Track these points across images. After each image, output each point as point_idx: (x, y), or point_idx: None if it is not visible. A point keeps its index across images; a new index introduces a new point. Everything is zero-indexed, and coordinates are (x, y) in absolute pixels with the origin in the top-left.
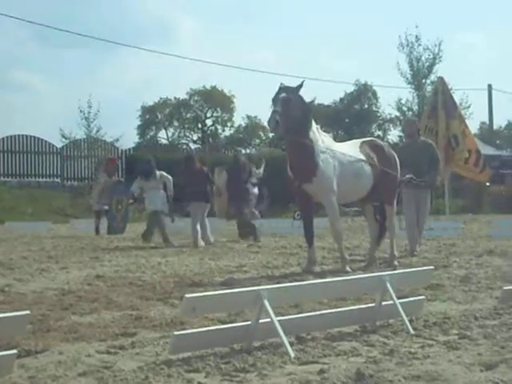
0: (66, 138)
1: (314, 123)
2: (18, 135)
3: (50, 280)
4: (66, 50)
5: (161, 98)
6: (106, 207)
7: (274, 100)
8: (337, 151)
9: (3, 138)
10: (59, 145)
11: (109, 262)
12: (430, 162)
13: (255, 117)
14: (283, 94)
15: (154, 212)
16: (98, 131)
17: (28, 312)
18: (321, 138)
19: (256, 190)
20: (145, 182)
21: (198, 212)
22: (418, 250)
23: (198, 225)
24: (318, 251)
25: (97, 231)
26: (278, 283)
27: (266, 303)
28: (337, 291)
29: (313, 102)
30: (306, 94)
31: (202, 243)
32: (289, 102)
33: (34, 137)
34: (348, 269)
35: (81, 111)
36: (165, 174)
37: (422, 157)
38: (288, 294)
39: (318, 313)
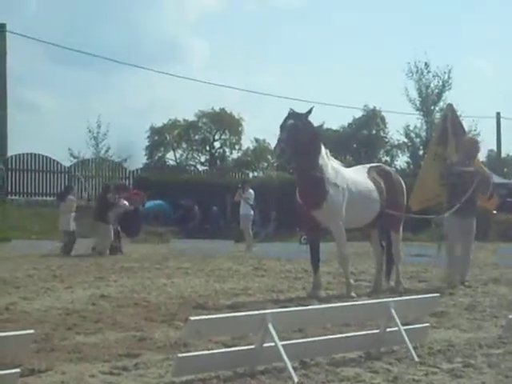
0: (74, 158)
1: (323, 148)
2: (27, 154)
3: (54, 299)
4: (76, 69)
5: (169, 120)
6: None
7: (282, 127)
8: (346, 176)
9: (11, 157)
10: (67, 164)
11: (114, 282)
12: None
13: (263, 140)
14: (290, 121)
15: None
16: (106, 151)
17: (32, 331)
18: (330, 163)
19: (252, 212)
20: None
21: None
22: (467, 279)
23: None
24: (323, 276)
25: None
26: (283, 307)
27: (271, 327)
28: (341, 317)
29: (321, 126)
30: (315, 119)
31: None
32: (296, 128)
33: (43, 155)
34: (353, 294)
35: (90, 131)
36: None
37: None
38: (292, 319)
39: (322, 338)
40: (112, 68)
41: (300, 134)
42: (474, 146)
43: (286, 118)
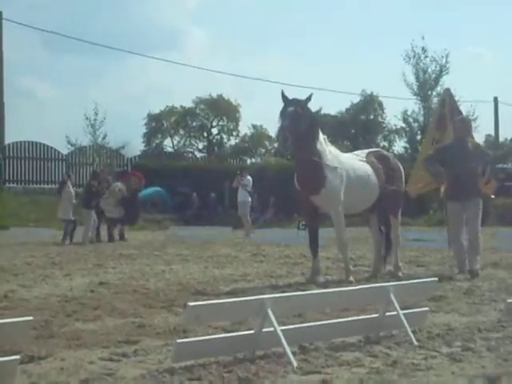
0: (71, 145)
1: (321, 134)
2: (24, 141)
3: (53, 286)
4: (74, 57)
5: (167, 106)
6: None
7: (283, 114)
8: (344, 162)
9: (9, 144)
10: (65, 151)
11: (112, 269)
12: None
13: (260, 126)
14: (291, 108)
15: None
16: (103, 138)
17: (31, 318)
18: (328, 148)
19: (250, 199)
20: None
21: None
22: (477, 267)
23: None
24: (322, 261)
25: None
26: (282, 293)
27: (270, 312)
28: (340, 301)
29: (319, 111)
30: (312, 104)
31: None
32: (297, 115)
33: (40, 143)
34: (352, 279)
35: (87, 118)
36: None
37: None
38: (292, 304)
39: (321, 323)
40: (109, 55)
41: (300, 121)
42: (465, 124)
43: (286, 105)
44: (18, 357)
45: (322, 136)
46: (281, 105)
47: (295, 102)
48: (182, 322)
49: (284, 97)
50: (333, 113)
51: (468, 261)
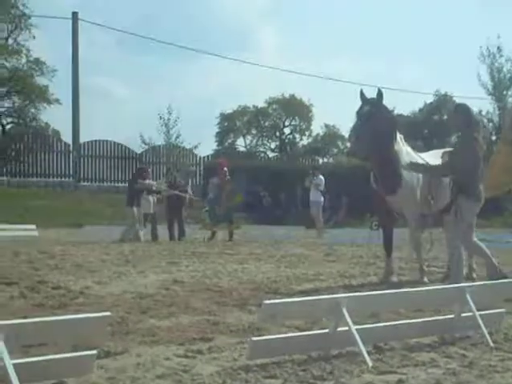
0: (145, 144)
1: (398, 134)
2: (98, 140)
3: (128, 283)
4: (147, 56)
5: (239, 106)
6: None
7: (358, 114)
8: (420, 161)
9: (84, 143)
10: (139, 151)
11: (186, 267)
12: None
13: (333, 126)
14: (367, 108)
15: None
16: (177, 138)
17: (108, 313)
18: (405, 148)
19: (322, 199)
20: None
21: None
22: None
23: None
24: (395, 262)
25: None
26: (356, 292)
27: (345, 311)
28: (416, 302)
29: (392, 112)
30: (385, 104)
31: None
32: (372, 115)
33: (114, 142)
34: (426, 280)
35: (160, 118)
36: None
37: None
38: (367, 303)
39: (396, 323)
40: (183, 55)
41: (376, 120)
42: None
43: (363, 104)
44: (94, 352)
45: (398, 136)
46: (354, 104)
47: (372, 101)
48: (257, 320)
49: (362, 96)
50: (405, 113)
51: None
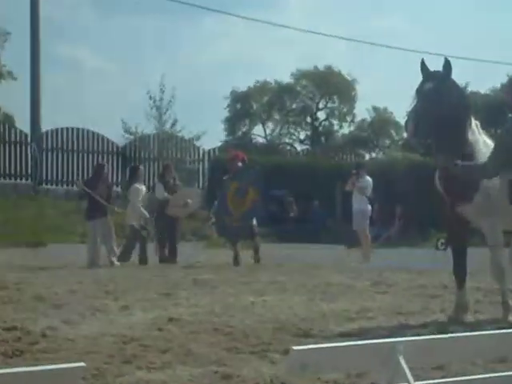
0: (130, 134)
1: (473, 120)
2: (66, 128)
3: (107, 323)
4: (131, 16)
5: (257, 82)
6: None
7: (418, 93)
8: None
9: (46, 132)
10: (121, 142)
11: (185, 300)
12: None
13: (384, 109)
14: (429, 84)
15: None
16: (172, 125)
17: (82, 364)
18: (482, 138)
19: (369, 207)
20: None
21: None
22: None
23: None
24: (470, 293)
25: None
26: (417, 335)
27: (402, 361)
28: (496, 348)
29: (465, 88)
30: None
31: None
32: (437, 94)
33: (87, 130)
34: (511, 318)
35: (150, 98)
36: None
37: None
38: (431, 350)
39: (470, 377)
40: (180, 13)
41: (443, 102)
42: None
43: (424, 80)
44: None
45: (474, 122)
46: (414, 79)
47: (437, 75)
48: (282, 372)
49: (424, 68)
50: (483, 90)
51: None
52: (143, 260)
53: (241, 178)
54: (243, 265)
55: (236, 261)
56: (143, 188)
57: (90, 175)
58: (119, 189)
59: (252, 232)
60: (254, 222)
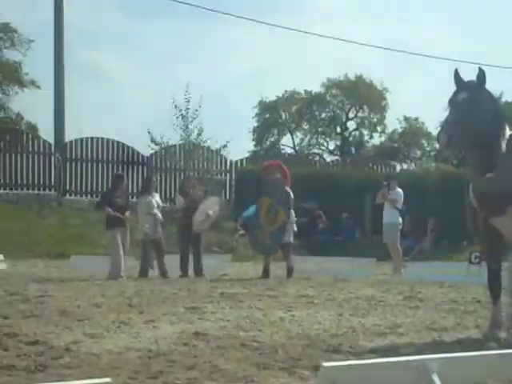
0: (156, 144)
1: (507, 130)
2: (91, 138)
3: (131, 337)
4: (157, 23)
5: (286, 92)
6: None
7: (451, 103)
8: None
9: (71, 143)
10: (147, 153)
11: (212, 314)
12: None
13: (415, 119)
14: (463, 95)
15: None
16: (198, 135)
17: (108, 380)
18: None
19: (400, 220)
20: None
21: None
22: None
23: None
24: (504, 309)
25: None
26: (450, 352)
27: (436, 378)
28: None
29: (499, 98)
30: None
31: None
32: (471, 104)
33: (112, 141)
34: None
35: (176, 107)
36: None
37: None
38: (466, 368)
39: None
40: (207, 21)
41: (476, 112)
42: None
43: (458, 90)
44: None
45: (508, 132)
46: (446, 89)
47: (471, 85)
48: None
49: (457, 78)
50: None
51: None
52: (144, 271)
53: (273, 195)
54: (271, 278)
55: (265, 273)
56: (152, 200)
57: (110, 185)
58: None
59: (285, 250)
60: (291, 239)
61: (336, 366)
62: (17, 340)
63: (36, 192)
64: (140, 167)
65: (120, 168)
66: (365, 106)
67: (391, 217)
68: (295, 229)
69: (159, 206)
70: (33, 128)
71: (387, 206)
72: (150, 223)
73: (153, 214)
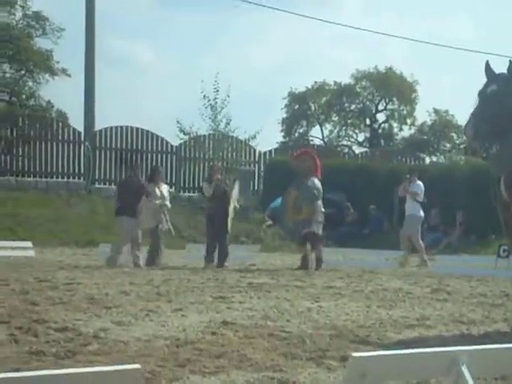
0: (184, 134)
1: None
2: (120, 127)
3: (159, 325)
4: (187, 12)
5: (315, 83)
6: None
7: (481, 95)
8: None
9: (100, 131)
10: (175, 142)
11: (240, 304)
12: None
13: (445, 111)
14: (492, 87)
15: None
16: (227, 125)
17: (138, 366)
18: None
19: (421, 213)
20: None
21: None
22: None
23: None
24: None
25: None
26: (478, 345)
27: (465, 371)
28: None
29: None
30: None
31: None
32: (500, 97)
33: (141, 129)
34: None
35: (204, 97)
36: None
37: None
38: (495, 360)
39: None
40: (236, 11)
41: (506, 105)
42: None
43: (488, 83)
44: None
45: None
46: (477, 81)
47: (502, 78)
48: (342, 379)
49: (488, 70)
50: None
51: None
52: (150, 261)
53: (300, 189)
54: (298, 268)
55: (304, 263)
56: (157, 190)
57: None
58: (173, 189)
59: (313, 242)
60: (320, 230)
61: (366, 357)
62: (46, 326)
63: (65, 180)
64: (169, 156)
65: (148, 157)
66: (394, 98)
67: (413, 209)
68: (322, 220)
69: (163, 197)
70: (63, 116)
71: (409, 199)
72: (149, 212)
73: (153, 203)
